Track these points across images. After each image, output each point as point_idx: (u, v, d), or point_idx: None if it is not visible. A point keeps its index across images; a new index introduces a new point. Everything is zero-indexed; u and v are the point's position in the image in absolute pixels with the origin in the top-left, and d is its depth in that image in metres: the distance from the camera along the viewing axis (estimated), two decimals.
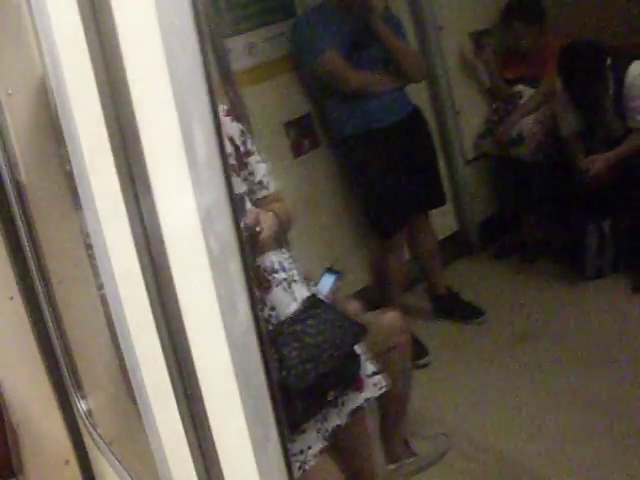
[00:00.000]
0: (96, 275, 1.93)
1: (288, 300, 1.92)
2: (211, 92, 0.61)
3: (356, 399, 1.99)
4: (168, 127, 0.67)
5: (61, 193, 1.92)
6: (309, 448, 1.90)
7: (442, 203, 3.64)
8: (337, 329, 1.85)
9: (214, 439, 0.88)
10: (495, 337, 3.41)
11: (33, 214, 1.89)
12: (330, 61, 3.15)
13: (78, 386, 2.01)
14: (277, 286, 1.92)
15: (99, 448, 1.92)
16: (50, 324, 1.98)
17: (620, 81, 3.39)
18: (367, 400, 2.02)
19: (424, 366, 3.23)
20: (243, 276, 0.68)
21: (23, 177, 1.85)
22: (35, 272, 1.93)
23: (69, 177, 1.91)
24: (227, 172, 0.63)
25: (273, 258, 1.93)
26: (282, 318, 1.89)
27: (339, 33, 3.15)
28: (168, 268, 0.79)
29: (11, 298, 1.96)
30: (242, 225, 0.71)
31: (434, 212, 3.63)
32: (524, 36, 3.85)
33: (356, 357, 1.95)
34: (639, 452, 2.44)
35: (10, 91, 1.79)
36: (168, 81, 0.63)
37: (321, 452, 1.92)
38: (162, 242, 0.78)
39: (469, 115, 4.13)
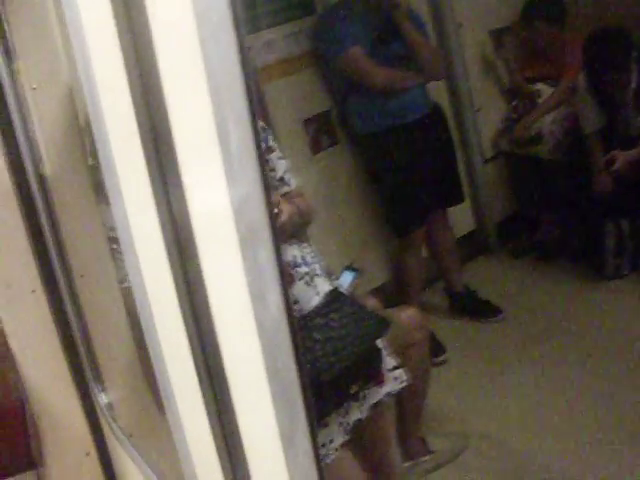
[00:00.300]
0: (117, 269, 1.95)
1: (311, 294, 1.93)
2: (247, 81, 0.61)
3: (377, 393, 1.99)
4: (201, 116, 0.66)
5: (84, 187, 1.94)
6: (331, 442, 1.91)
7: (461, 201, 3.63)
8: (360, 322, 1.86)
9: (240, 432, 0.88)
10: (513, 336, 3.40)
11: (56, 208, 1.91)
12: (354, 57, 3.15)
13: (98, 379, 2.03)
14: (300, 280, 1.93)
15: (119, 440, 1.93)
16: (72, 317, 1.99)
17: None
18: (387, 394, 2.03)
19: (441, 363, 3.23)
20: (275, 266, 0.68)
21: (47, 171, 1.87)
22: (57, 266, 1.95)
23: (92, 171, 1.92)
24: (262, 162, 0.63)
25: (295, 252, 1.95)
26: (305, 312, 1.90)
27: (362, 30, 3.15)
28: (197, 258, 0.79)
29: (33, 291, 1.98)
30: None
31: (451, 210, 3.63)
32: (544, 34, 3.83)
33: (378, 351, 1.96)
34: None
35: (35, 86, 1.80)
36: (202, 69, 0.62)
37: (342, 446, 1.93)
38: (191, 232, 0.78)
39: (488, 113, 4.12)
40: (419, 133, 3.28)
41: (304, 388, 0.72)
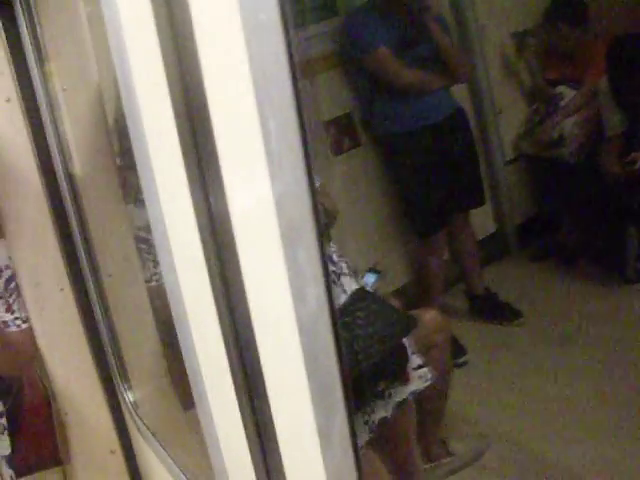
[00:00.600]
0: (145, 268, 1.97)
1: (337, 292, 1.94)
2: (293, 75, 0.62)
3: (402, 391, 2.01)
4: (242, 109, 0.67)
5: (112, 187, 1.96)
6: None
7: (482, 203, 3.63)
8: (387, 320, 1.87)
9: (275, 428, 0.88)
10: (533, 339, 3.40)
11: (85, 208, 1.93)
12: (382, 58, 3.17)
13: (125, 377, 2.04)
14: None
15: (145, 438, 1.95)
16: (99, 316, 2.01)
17: None
18: (412, 393, 2.03)
19: (462, 365, 3.22)
20: (319, 263, 0.68)
21: (76, 171, 1.89)
22: (85, 265, 1.97)
23: (120, 172, 1.95)
24: (308, 158, 0.64)
25: None
26: None
27: (389, 31, 3.17)
28: (235, 255, 0.79)
29: (62, 290, 1.99)
30: None
31: (472, 212, 3.62)
32: (567, 37, 3.82)
33: (404, 349, 1.97)
34: None
35: (65, 87, 1.82)
36: (246, 62, 0.63)
37: (366, 445, 1.94)
38: (230, 229, 0.78)
39: (510, 115, 4.11)
40: (442, 135, 3.29)
41: (345, 387, 0.73)
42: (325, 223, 2.01)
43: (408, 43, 3.18)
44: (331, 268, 1.97)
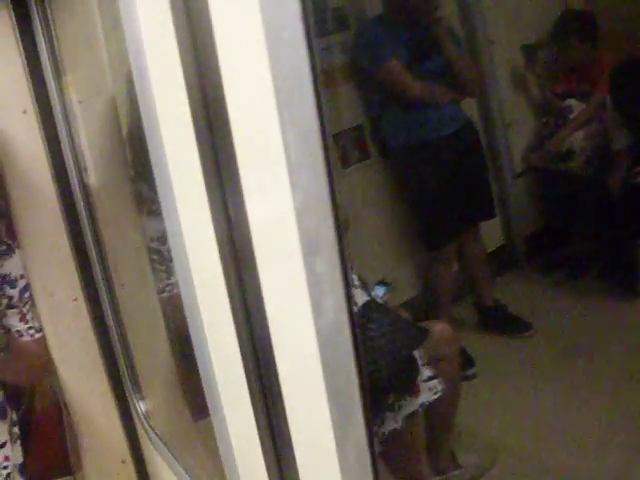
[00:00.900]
0: (157, 279, 1.98)
1: None
2: (315, 83, 0.63)
3: (412, 403, 2.01)
4: (264, 123, 0.67)
5: (126, 198, 1.98)
6: None
7: (492, 216, 3.64)
8: (398, 333, 1.88)
9: (292, 438, 0.88)
10: (542, 351, 3.39)
11: (98, 218, 1.94)
12: (392, 70, 3.19)
13: (137, 387, 2.05)
14: None
15: (156, 448, 1.95)
16: (111, 326, 2.02)
17: None
18: (422, 405, 2.03)
19: (471, 377, 3.22)
20: (340, 274, 0.69)
21: (91, 182, 1.91)
22: (99, 275, 1.98)
23: (134, 183, 1.96)
24: (329, 168, 0.65)
25: None
26: None
27: (400, 44, 3.19)
28: (254, 265, 0.80)
29: (75, 300, 2.01)
30: None
31: (481, 225, 3.62)
32: (576, 51, 3.83)
33: (415, 361, 1.97)
34: None
35: (81, 99, 1.84)
36: (268, 70, 0.64)
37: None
38: (249, 239, 0.78)
39: (519, 128, 4.12)
40: (452, 147, 3.30)
41: (363, 397, 0.73)
42: None
43: (419, 56, 3.20)
44: None
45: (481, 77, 3.66)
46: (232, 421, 1.07)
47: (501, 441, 2.83)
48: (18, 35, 1.81)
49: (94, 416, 2.11)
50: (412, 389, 1.99)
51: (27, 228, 1.91)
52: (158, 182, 0.98)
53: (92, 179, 1.90)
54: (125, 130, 1.97)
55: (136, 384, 2.05)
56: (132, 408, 2.09)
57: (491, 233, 3.93)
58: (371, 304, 1.96)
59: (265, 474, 0.98)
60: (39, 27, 1.79)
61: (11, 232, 1.86)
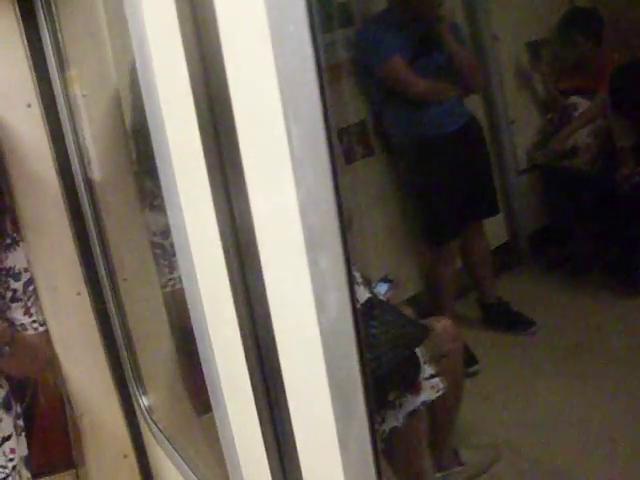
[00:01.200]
0: (160, 274, 1.98)
1: None
2: (319, 78, 0.62)
3: (413, 401, 2.00)
4: (269, 118, 0.67)
5: (129, 193, 1.98)
6: None
7: (496, 213, 3.63)
8: (400, 330, 1.87)
9: (294, 434, 0.88)
10: (545, 348, 3.39)
11: (102, 212, 1.95)
12: (395, 66, 3.18)
13: (139, 381, 2.05)
14: None
15: (159, 442, 1.96)
16: (114, 320, 2.03)
17: None
18: (423, 403, 2.03)
19: (473, 374, 3.22)
20: (343, 269, 0.69)
21: (95, 176, 1.91)
22: (102, 269, 1.98)
23: (137, 177, 1.96)
24: (333, 164, 0.65)
25: None
26: None
27: (403, 40, 3.18)
28: (257, 260, 0.80)
29: (78, 294, 2.01)
30: None
31: (485, 221, 3.62)
32: (581, 48, 3.82)
33: (416, 359, 1.97)
34: None
35: (85, 93, 1.84)
36: (272, 65, 0.63)
37: None
38: (253, 234, 0.78)
39: (523, 125, 4.11)
40: (456, 144, 3.29)
41: (367, 394, 0.73)
42: None
43: (422, 52, 3.19)
44: None
45: (485, 73, 3.64)
46: (234, 416, 1.07)
47: (503, 438, 2.83)
48: (22, 29, 1.81)
49: (97, 410, 2.12)
50: (414, 387, 1.99)
51: (31, 222, 1.91)
52: (162, 176, 0.97)
53: (96, 173, 1.90)
54: (129, 124, 1.96)
55: (139, 378, 2.05)
56: (135, 402, 2.09)
57: (495, 230, 3.92)
58: (373, 301, 1.95)
59: (267, 469, 0.98)
60: (43, 21, 1.79)
61: (15, 225, 1.86)
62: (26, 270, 1.75)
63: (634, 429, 2.69)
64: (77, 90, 1.84)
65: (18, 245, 1.73)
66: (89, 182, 1.91)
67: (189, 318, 1.06)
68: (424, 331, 1.95)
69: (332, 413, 0.75)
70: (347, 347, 0.74)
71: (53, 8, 1.77)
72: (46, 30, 1.79)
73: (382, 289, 2.34)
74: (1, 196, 1.79)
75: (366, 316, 1.91)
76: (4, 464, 1.71)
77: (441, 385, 2.09)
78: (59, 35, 1.80)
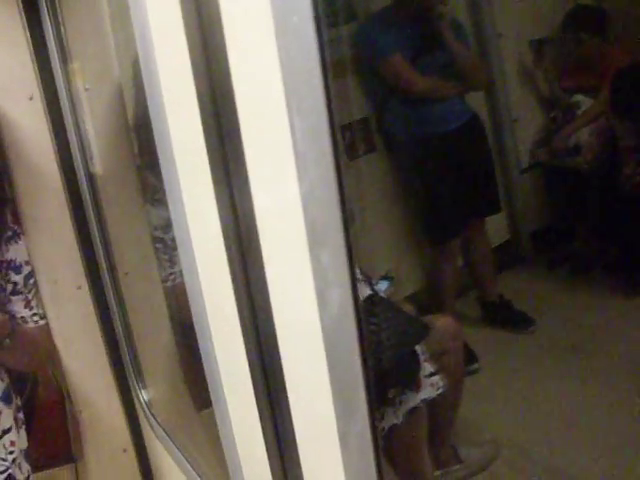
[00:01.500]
0: (161, 268, 1.98)
1: None
2: (324, 73, 0.62)
3: (413, 399, 2.00)
4: (272, 112, 0.66)
5: (131, 187, 1.97)
6: None
7: (497, 211, 3.63)
8: (400, 327, 1.87)
9: (295, 430, 0.88)
10: (545, 347, 3.38)
11: (103, 206, 1.94)
12: (396, 64, 3.18)
13: (139, 376, 2.05)
14: None
15: (158, 437, 1.96)
16: (115, 314, 2.02)
17: None
18: (423, 400, 2.03)
19: (474, 372, 3.21)
20: (345, 265, 0.69)
21: (97, 170, 1.90)
22: (103, 263, 1.98)
23: (139, 172, 1.96)
24: (337, 159, 0.64)
25: None
26: None
27: (404, 38, 3.17)
28: (259, 255, 0.79)
29: (79, 287, 2.01)
30: None
31: (486, 220, 3.61)
32: (585, 45, 3.81)
33: (416, 356, 1.97)
34: None
35: (88, 86, 1.84)
36: (276, 60, 0.63)
37: None
38: (255, 229, 0.78)
39: (526, 123, 4.10)
40: (457, 142, 3.28)
41: (368, 391, 0.73)
42: None
43: (424, 50, 3.18)
44: None
45: (486, 71, 3.64)
46: (234, 411, 1.07)
47: (503, 436, 2.83)
48: (25, 22, 1.81)
49: (96, 404, 2.12)
50: (414, 384, 1.99)
51: (32, 215, 1.91)
52: (163, 169, 0.97)
53: (97, 167, 1.90)
54: (131, 118, 1.96)
55: (139, 373, 2.05)
56: (134, 397, 2.10)
57: (497, 228, 3.92)
58: (374, 298, 1.95)
59: (267, 465, 0.98)
60: (46, 13, 1.79)
61: (16, 218, 1.86)
62: (27, 263, 1.74)
63: (634, 428, 2.69)
64: (79, 83, 1.84)
65: (19, 238, 1.72)
66: (90, 176, 1.91)
67: (189, 312, 1.06)
68: (425, 329, 1.95)
69: (333, 410, 0.75)
70: (349, 344, 0.73)
71: (56, 1, 1.77)
72: (49, 23, 1.79)
73: (382, 287, 2.33)
74: (2, 189, 1.78)
75: (367, 313, 1.90)
76: (4, 457, 1.71)
77: (441, 383, 2.09)
78: (62, 28, 1.79)
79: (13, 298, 1.72)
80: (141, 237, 1.99)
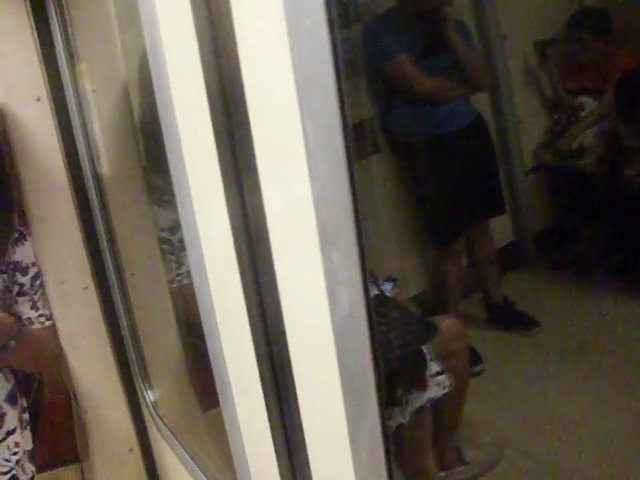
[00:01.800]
0: (167, 269, 1.98)
1: None
2: (338, 80, 0.62)
3: (420, 398, 2.00)
4: (284, 112, 0.67)
5: (138, 188, 1.98)
6: None
7: (502, 212, 3.62)
8: (407, 327, 1.87)
9: (304, 429, 0.88)
10: (550, 349, 3.37)
11: (110, 207, 1.95)
12: (401, 65, 3.18)
13: (146, 376, 2.06)
14: None
15: (164, 437, 1.96)
16: (121, 315, 2.03)
17: None
18: (430, 400, 2.03)
19: (478, 374, 3.21)
20: (354, 265, 0.69)
21: (104, 171, 1.91)
22: (109, 264, 1.98)
23: (146, 173, 1.96)
24: (349, 159, 0.64)
25: None
26: None
27: (410, 39, 3.17)
28: (269, 255, 0.79)
29: (86, 288, 2.01)
30: None
31: (490, 221, 3.61)
32: (589, 47, 3.81)
33: (423, 356, 1.97)
34: None
35: (95, 88, 1.84)
36: (289, 64, 0.63)
37: None
38: (265, 229, 0.78)
39: (530, 125, 4.10)
40: (462, 143, 3.28)
41: (379, 391, 0.73)
42: None
43: (429, 51, 3.18)
44: None
45: (492, 72, 3.63)
46: (243, 412, 1.07)
47: (507, 438, 2.82)
48: (33, 23, 1.82)
49: (102, 404, 2.12)
50: (420, 384, 1.99)
51: (39, 216, 1.92)
52: (173, 170, 0.97)
53: (104, 168, 1.90)
54: (138, 119, 1.97)
55: (145, 373, 2.06)
56: (140, 397, 2.10)
57: (501, 229, 3.92)
58: (380, 298, 1.96)
59: (275, 465, 0.98)
60: (54, 15, 1.79)
61: (23, 219, 1.87)
62: (33, 264, 1.75)
63: (638, 429, 2.68)
64: (87, 84, 1.85)
65: (26, 239, 1.73)
66: (98, 177, 1.91)
67: (196, 313, 1.06)
68: (432, 329, 1.96)
69: (343, 410, 0.75)
70: (360, 343, 0.74)
71: (64, 2, 1.77)
72: (56, 24, 1.79)
73: (386, 288, 2.34)
74: (9, 190, 1.79)
75: (374, 313, 1.90)
76: (8, 458, 1.71)
77: (447, 382, 2.09)
78: (69, 29, 1.80)
79: (19, 299, 1.72)
80: (148, 238, 2.00)
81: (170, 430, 1.92)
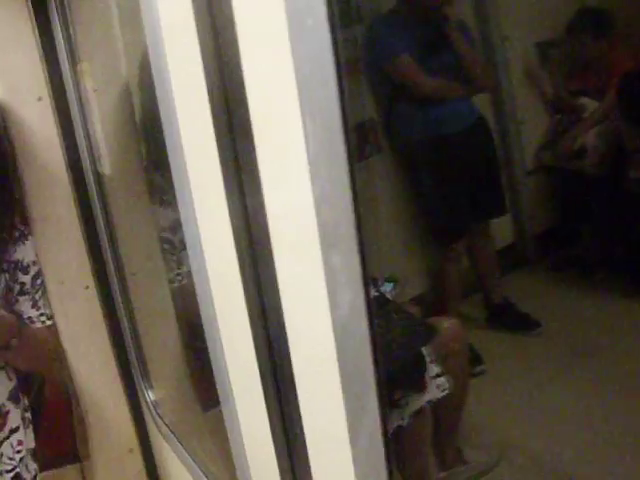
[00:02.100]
0: (168, 269, 1.98)
1: None
2: (339, 80, 0.62)
3: (419, 400, 2.00)
4: (285, 113, 0.67)
5: (139, 188, 1.98)
6: None
7: (503, 213, 3.63)
8: (406, 329, 1.87)
9: (304, 430, 0.88)
10: (551, 349, 3.37)
11: (111, 206, 1.95)
12: (404, 65, 3.18)
13: (146, 376, 2.06)
14: None
15: (165, 437, 1.96)
16: (122, 314, 2.03)
17: None
18: (429, 401, 2.03)
19: (478, 374, 3.21)
20: (355, 267, 0.69)
21: (105, 170, 1.91)
22: (110, 263, 1.98)
23: (147, 173, 1.97)
24: (350, 160, 0.64)
25: None
26: None
27: (412, 39, 3.18)
28: (270, 256, 0.79)
29: (87, 287, 2.01)
30: None
31: (492, 222, 3.61)
32: (591, 48, 3.81)
33: (422, 358, 1.97)
34: None
35: (96, 87, 1.84)
36: (291, 64, 0.63)
37: None
38: (266, 231, 0.78)
39: (532, 126, 4.10)
40: (464, 143, 3.28)
41: (380, 392, 0.73)
42: None
43: (431, 51, 3.19)
44: None
45: (493, 72, 3.64)
46: (243, 411, 1.07)
47: (507, 438, 2.82)
48: (34, 22, 1.82)
49: (103, 404, 2.12)
50: (420, 386, 1.99)
51: (40, 215, 1.92)
52: (174, 170, 0.97)
53: (106, 167, 1.90)
54: (139, 119, 1.97)
55: (145, 373, 2.06)
56: (141, 397, 2.10)
57: (502, 230, 3.92)
58: (380, 299, 1.95)
59: (275, 464, 0.98)
60: (55, 15, 1.79)
61: (24, 219, 1.87)
62: (34, 263, 1.75)
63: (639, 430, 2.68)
64: (88, 84, 1.85)
65: (27, 239, 1.73)
66: (98, 176, 1.91)
67: (196, 313, 1.06)
68: (431, 330, 1.95)
69: (344, 411, 0.75)
70: (360, 345, 0.73)
71: (65, 2, 1.77)
72: (58, 24, 1.79)
73: (387, 288, 2.33)
74: (11, 189, 1.79)
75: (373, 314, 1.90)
76: (12, 456, 1.72)
77: (446, 384, 2.09)
78: (71, 29, 1.80)
79: (20, 298, 1.72)
80: (149, 238, 2.00)
81: (170, 430, 1.92)
